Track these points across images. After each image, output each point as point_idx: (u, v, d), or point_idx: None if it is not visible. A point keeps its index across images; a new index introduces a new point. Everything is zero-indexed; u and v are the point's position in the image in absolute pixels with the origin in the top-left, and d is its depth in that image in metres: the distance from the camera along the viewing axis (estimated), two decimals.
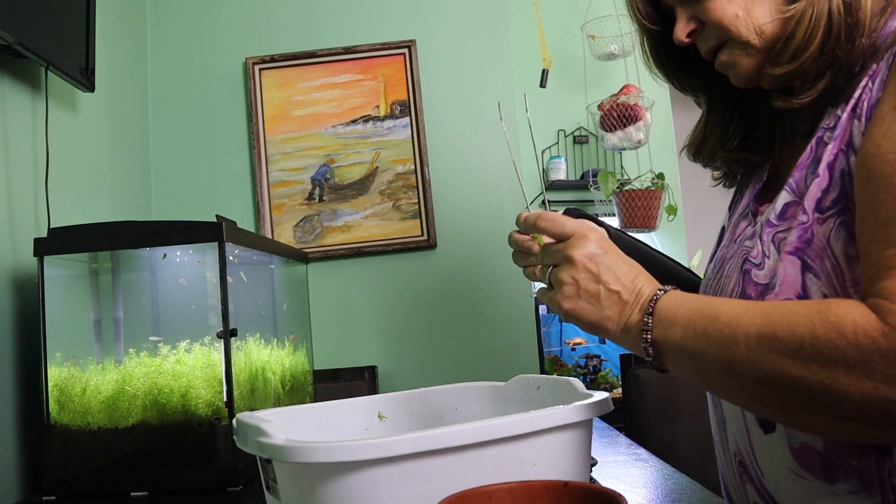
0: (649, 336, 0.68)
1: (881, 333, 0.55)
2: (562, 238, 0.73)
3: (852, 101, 0.68)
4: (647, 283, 0.71)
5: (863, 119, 0.66)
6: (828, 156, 0.69)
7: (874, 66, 0.67)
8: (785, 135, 0.84)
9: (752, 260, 0.74)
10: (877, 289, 0.58)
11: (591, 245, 0.71)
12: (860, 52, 0.69)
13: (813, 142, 0.72)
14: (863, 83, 0.68)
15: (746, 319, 0.62)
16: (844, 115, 0.69)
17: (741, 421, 0.76)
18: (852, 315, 0.57)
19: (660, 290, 0.70)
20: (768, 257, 0.72)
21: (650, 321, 0.68)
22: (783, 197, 0.73)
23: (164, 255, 1.17)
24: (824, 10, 0.69)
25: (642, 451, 1.07)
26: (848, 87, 0.70)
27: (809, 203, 0.69)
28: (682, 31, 0.78)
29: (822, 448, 0.69)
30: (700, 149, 0.90)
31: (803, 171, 0.72)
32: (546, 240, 0.77)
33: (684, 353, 0.66)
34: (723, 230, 0.91)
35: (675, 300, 0.68)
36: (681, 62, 0.86)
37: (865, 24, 0.68)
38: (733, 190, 0.95)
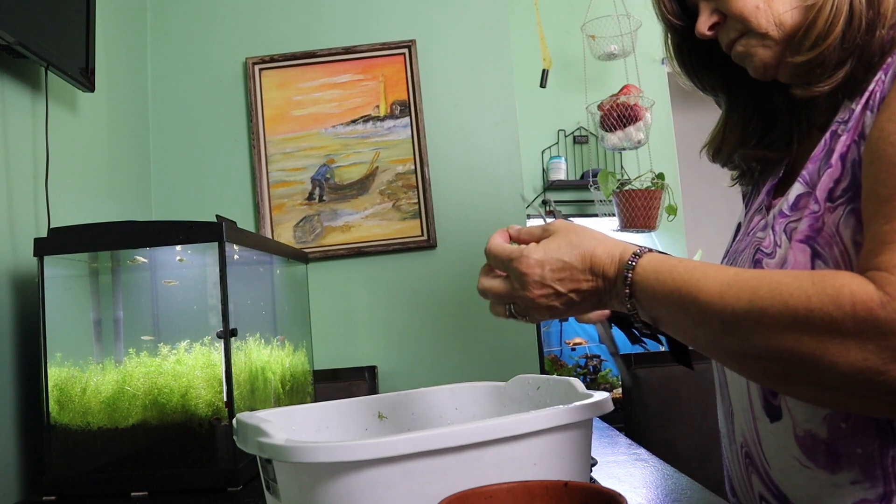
0: (638, 315, 0.69)
1: (879, 304, 0.55)
2: (505, 271, 0.72)
3: (866, 94, 0.69)
4: (607, 263, 0.69)
5: (875, 110, 0.67)
6: (840, 147, 0.70)
7: (889, 59, 0.69)
8: (802, 130, 0.85)
9: (764, 250, 0.75)
10: (875, 262, 0.59)
11: (533, 272, 0.69)
12: (879, 44, 0.70)
13: (827, 135, 0.73)
14: (877, 76, 0.69)
15: (730, 296, 0.61)
16: (858, 108, 0.70)
17: (749, 411, 0.77)
18: (850, 286, 0.57)
19: (627, 270, 0.67)
20: (779, 246, 0.73)
21: (632, 304, 0.68)
22: (796, 188, 0.74)
23: (181, 259, 1.17)
24: None
25: (642, 451, 1.07)
26: (865, 80, 0.71)
27: (821, 193, 0.69)
28: (704, 24, 0.78)
29: (826, 436, 0.69)
30: (720, 148, 0.90)
31: (817, 164, 0.73)
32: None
33: (674, 328, 0.68)
34: (738, 226, 0.91)
35: (649, 278, 0.66)
36: (703, 61, 0.87)
37: (887, 15, 0.69)
38: (737, 189, 0.95)
